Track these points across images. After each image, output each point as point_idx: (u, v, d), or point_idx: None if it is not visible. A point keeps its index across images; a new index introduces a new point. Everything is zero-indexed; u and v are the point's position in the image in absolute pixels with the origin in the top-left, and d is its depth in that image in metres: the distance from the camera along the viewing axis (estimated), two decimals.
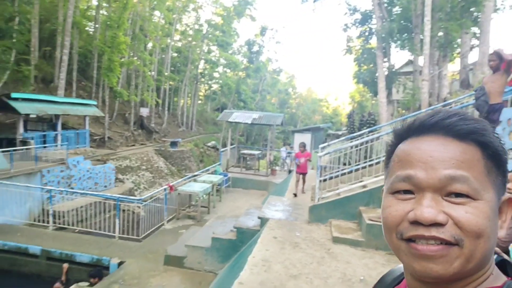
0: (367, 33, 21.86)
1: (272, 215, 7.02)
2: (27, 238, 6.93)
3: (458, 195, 0.56)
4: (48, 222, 8.09)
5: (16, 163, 12.13)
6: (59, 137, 16.91)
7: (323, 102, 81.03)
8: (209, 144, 34.94)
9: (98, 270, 5.73)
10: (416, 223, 0.56)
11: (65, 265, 5.84)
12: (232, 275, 4.92)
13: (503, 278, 0.61)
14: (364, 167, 7.41)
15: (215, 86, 50.06)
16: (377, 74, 18.08)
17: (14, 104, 14.40)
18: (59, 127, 17.50)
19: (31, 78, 20.99)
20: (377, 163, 7.23)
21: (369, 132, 9.06)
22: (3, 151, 12.21)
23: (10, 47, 18.74)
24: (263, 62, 50.67)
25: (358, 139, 8.03)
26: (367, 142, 7.47)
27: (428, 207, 0.56)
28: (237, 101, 43.25)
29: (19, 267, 6.57)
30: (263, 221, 6.76)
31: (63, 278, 5.72)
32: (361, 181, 6.95)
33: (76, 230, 8.46)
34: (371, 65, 21.23)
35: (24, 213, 9.63)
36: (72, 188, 13.57)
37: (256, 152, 15.89)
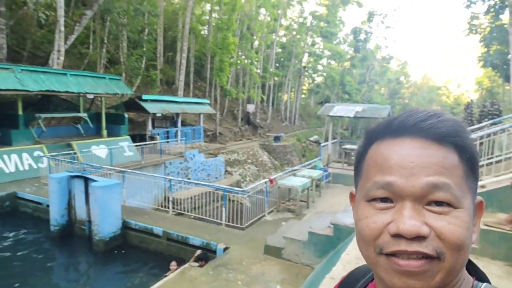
0: (497, 7, 18.70)
1: None
2: (152, 220, 8.21)
3: (439, 203, 0.53)
4: (168, 208, 9.39)
5: (146, 155, 14.32)
6: (179, 133, 19.19)
7: (442, 90, 72.56)
8: (311, 138, 34.92)
9: (204, 254, 6.45)
10: (397, 235, 0.52)
11: (198, 251, 6.64)
12: (325, 270, 4.97)
13: (470, 280, 0.60)
14: (482, 165, 6.51)
15: (318, 79, 49.54)
16: (509, 56, 15.37)
17: (144, 104, 16.92)
18: (179, 124, 19.85)
19: (158, 81, 24.22)
20: (498, 161, 6.26)
21: (491, 124, 7.86)
22: (136, 145, 14.54)
23: (141, 55, 21.98)
24: (371, 50, 47.88)
25: (477, 132, 7.07)
26: (488, 135, 6.53)
27: (411, 219, 0.52)
28: (341, 94, 41.98)
29: (146, 244, 7.85)
30: None
31: (192, 260, 6.40)
32: (480, 180, 6.14)
33: (192, 216, 9.59)
34: (502, 46, 18.11)
35: (151, 199, 11.34)
36: (189, 179, 15.33)
37: None
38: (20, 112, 12.31)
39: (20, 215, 9.49)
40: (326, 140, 19.72)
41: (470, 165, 0.57)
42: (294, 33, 41.35)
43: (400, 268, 0.52)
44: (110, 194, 7.82)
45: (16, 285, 6.43)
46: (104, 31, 20.19)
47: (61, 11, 15.63)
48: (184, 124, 21.67)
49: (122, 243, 7.98)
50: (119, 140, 14.81)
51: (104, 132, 15.33)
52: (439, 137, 0.55)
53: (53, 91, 12.64)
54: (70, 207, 8.33)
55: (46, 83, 12.44)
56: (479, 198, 0.60)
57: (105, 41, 20.34)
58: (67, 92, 13.17)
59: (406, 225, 0.51)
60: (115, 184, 8.07)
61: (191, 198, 11.21)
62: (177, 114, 19.67)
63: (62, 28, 15.96)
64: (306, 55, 43.27)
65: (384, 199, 0.55)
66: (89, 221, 8.00)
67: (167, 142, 16.86)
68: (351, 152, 15.28)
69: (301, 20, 41.43)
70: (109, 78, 15.70)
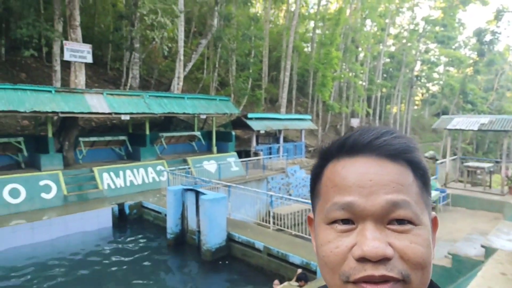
0: None
1: (503, 245, 5.66)
2: (254, 234, 8.46)
3: (400, 221, 0.52)
4: (269, 222, 9.56)
5: (250, 170, 14.98)
6: (281, 149, 19.59)
7: None
8: (426, 154, 31.58)
9: (304, 273, 6.30)
10: (362, 259, 0.50)
11: (299, 270, 6.61)
12: None
13: None
14: None
15: (434, 89, 44.96)
16: None
17: (249, 122, 17.86)
18: (281, 140, 20.30)
19: (262, 99, 25.35)
20: None
21: None
22: (241, 161, 15.36)
23: (248, 76, 23.40)
24: (500, 52, 41.34)
25: None
26: None
27: (375, 240, 0.50)
28: (463, 104, 37.10)
29: (247, 257, 8.11)
30: (489, 251, 5.57)
31: (294, 279, 6.34)
32: None
33: (292, 233, 9.56)
34: None
35: (254, 213, 11.74)
36: (290, 194, 15.42)
37: (487, 165, 13.11)
38: (147, 132, 14.29)
39: (144, 222, 10.88)
40: (444, 156, 17.56)
41: (424, 181, 0.57)
42: (404, 41, 38.67)
43: None
44: (217, 207, 8.37)
45: (136, 281, 7.34)
46: (216, 57, 22.20)
47: (181, 43, 17.83)
48: (286, 140, 22.04)
49: (226, 254, 8.41)
50: (227, 156, 15.87)
51: (214, 148, 16.63)
52: (394, 154, 0.55)
53: (173, 113, 14.35)
54: (183, 217, 9.20)
55: (168, 106, 14.22)
56: (433, 213, 0.60)
57: (217, 65, 22.33)
58: (184, 113, 14.79)
59: (371, 247, 0.49)
60: (221, 197, 8.62)
61: (292, 214, 11.20)
62: (280, 131, 20.16)
63: (182, 57, 18.14)
64: (418, 63, 39.89)
65: (345, 221, 0.54)
66: (199, 232, 8.69)
67: (270, 158, 17.35)
68: (476, 170, 13.23)
69: (412, 27, 38.55)
70: (219, 99, 17.07)
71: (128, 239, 9.80)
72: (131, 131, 15.66)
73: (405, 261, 0.51)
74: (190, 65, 20.66)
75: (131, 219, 10.85)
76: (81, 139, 12.95)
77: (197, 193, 8.81)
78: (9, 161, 11.62)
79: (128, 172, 12.52)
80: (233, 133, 17.26)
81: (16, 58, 16.88)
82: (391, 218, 0.52)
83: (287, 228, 9.76)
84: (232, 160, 15.53)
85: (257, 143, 19.61)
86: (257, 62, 24.98)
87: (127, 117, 12.95)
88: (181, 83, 18.14)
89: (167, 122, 17.86)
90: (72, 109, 11.38)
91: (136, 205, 11.06)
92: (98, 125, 16.40)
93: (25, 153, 11.49)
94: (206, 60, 23.25)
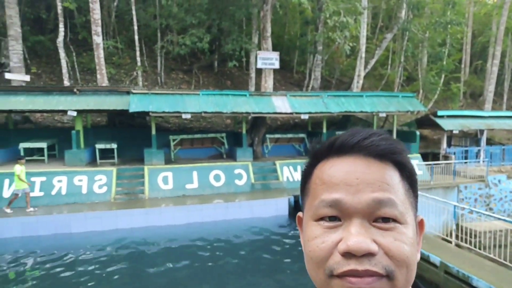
0: None
1: None
2: (430, 246, 7.52)
3: (385, 219, 0.54)
4: (451, 237, 8.26)
5: (436, 176, 13.24)
6: (482, 153, 16.34)
7: None
8: None
9: None
10: (347, 254, 0.52)
11: None
12: None
13: None
14: None
15: None
16: None
17: (439, 121, 15.76)
18: (483, 142, 16.93)
19: (460, 94, 21.80)
20: None
21: None
22: (426, 164, 13.76)
23: (441, 69, 20.62)
24: None
25: None
26: None
27: (359, 235, 0.52)
28: None
29: (420, 271, 7.30)
30: None
31: None
32: None
33: (490, 256, 7.96)
34: None
35: (439, 224, 10.35)
36: (491, 209, 12.73)
37: None
38: (324, 130, 14.82)
39: None
40: None
41: (410, 182, 0.59)
42: None
43: (353, 286, 0.51)
44: None
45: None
46: (402, 51, 20.62)
47: (363, 40, 17.53)
48: (490, 142, 18.21)
49: None
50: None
51: None
52: (381, 154, 0.57)
53: (350, 111, 14.33)
54: None
55: (345, 105, 14.31)
56: (420, 216, 0.62)
57: (403, 60, 20.69)
58: (361, 111, 14.53)
59: (355, 242, 0.51)
60: None
61: (491, 232, 9.28)
62: (481, 131, 16.83)
63: (363, 55, 17.80)
64: None
65: (332, 218, 0.56)
66: None
67: (465, 162, 14.78)
68: None
69: None
70: (402, 96, 15.82)
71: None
72: (310, 129, 16.58)
73: (390, 258, 0.52)
74: (373, 61, 20.00)
75: None
76: (267, 135, 14.74)
77: None
78: (215, 152, 14.51)
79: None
80: (417, 132, 15.65)
81: (224, 69, 20.77)
82: (376, 216, 0.54)
83: (477, 247, 8.16)
84: (414, 162, 14.14)
85: (449, 145, 17.07)
86: (452, 51, 21.63)
87: (306, 116, 13.84)
88: (361, 81, 17.83)
89: (344, 121, 17.95)
90: (261, 110, 13.12)
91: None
92: (282, 124, 18.21)
93: (226, 146, 14.05)
94: (392, 55, 21.90)
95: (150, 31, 19.90)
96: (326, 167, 0.59)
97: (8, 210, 9.31)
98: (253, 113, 13.00)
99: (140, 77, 17.85)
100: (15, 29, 15.15)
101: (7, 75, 14.23)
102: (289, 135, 15.32)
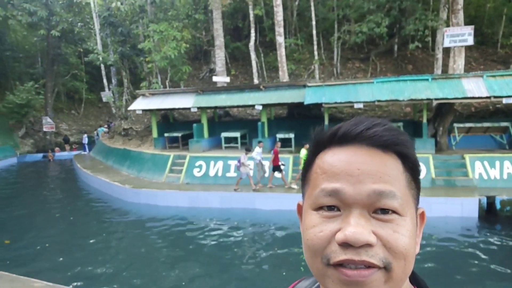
0: None
1: None
2: None
3: (385, 211, 0.53)
4: None
5: None
6: None
7: None
8: None
9: None
10: (345, 244, 0.52)
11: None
12: None
13: None
14: None
15: None
16: None
17: None
18: None
19: None
20: None
21: None
22: None
23: None
24: None
25: None
26: None
27: (358, 226, 0.51)
28: None
29: None
30: None
31: None
32: None
33: None
34: None
35: None
36: None
37: None
38: None
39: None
40: None
41: (413, 174, 0.58)
42: None
43: (348, 279, 0.51)
44: None
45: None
46: None
47: None
48: None
49: None
50: None
51: None
52: (384, 145, 0.56)
53: None
54: None
55: None
56: (421, 208, 0.61)
57: None
58: None
59: (353, 233, 0.51)
60: None
61: None
62: None
63: None
64: None
65: (331, 207, 0.55)
66: None
67: None
68: None
69: None
70: None
71: (496, 237, 8.81)
72: None
73: (387, 249, 0.52)
74: None
75: (503, 216, 9.58)
76: (455, 125, 12.80)
77: None
78: None
79: (507, 163, 10.97)
80: None
81: (405, 53, 19.08)
82: (376, 207, 0.54)
83: None
84: None
85: None
86: None
87: (511, 100, 11.23)
88: None
89: None
90: (446, 95, 11.53)
91: (511, 201, 9.59)
92: (478, 110, 15.30)
93: None
94: None
95: (328, 24, 20.41)
96: (328, 156, 0.58)
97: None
98: (436, 99, 11.57)
99: (317, 70, 18.69)
100: (220, 39, 18.60)
101: (214, 78, 17.72)
102: (486, 124, 12.80)
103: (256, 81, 18.61)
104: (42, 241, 9.12)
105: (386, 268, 0.52)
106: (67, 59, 31.00)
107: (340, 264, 0.52)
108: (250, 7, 18.83)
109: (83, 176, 17.21)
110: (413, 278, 0.62)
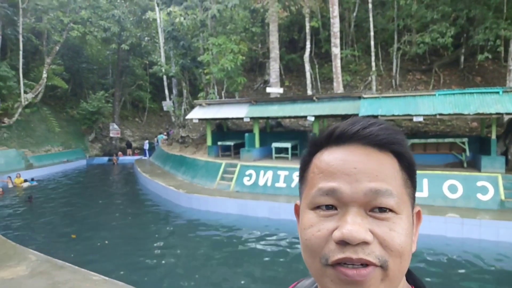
0: None
1: None
2: None
3: (382, 209, 0.54)
4: None
5: None
6: None
7: None
8: None
9: None
10: (342, 242, 0.52)
11: None
12: None
13: None
14: None
15: None
16: None
17: None
18: None
19: None
20: None
21: None
22: None
23: None
24: None
25: None
26: None
27: (355, 224, 0.52)
28: None
29: None
30: None
31: None
32: None
33: None
34: None
35: None
36: None
37: None
38: None
39: None
40: None
41: (409, 172, 0.59)
42: None
43: (348, 278, 0.52)
44: None
45: None
46: None
47: None
48: None
49: None
50: None
51: None
52: (380, 144, 0.57)
53: None
54: None
55: None
56: (417, 207, 0.62)
57: None
58: None
59: (350, 231, 0.51)
60: None
61: None
62: None
63: None
64: None
65: (328, 207, 0.56)
66: None
67: None
68: None
69: None
70: None
71: None
72: None
73: (384, 247, 0.53)
74: None
75: None
76: None
77: None
78: (453, 159, 12.72)
79: None
80: None
81: (472, 64, 17.71)
82: (373, 206, 0.54)
83: None
84: None
85: None
86: None
87: None
88: None
89: None
90: None
91: None
92: None
93: (468, 153, 12.07)
94: None
95: (387, 35, 19.75)
96: (325, 156, 0.59)
97: None
98: (507, 113, 10.57)
99: (374, 81, 18.09)
100: (275, 51, 18.89)
101: (268, 89, 17.98)
102: None
103: (309, 92, 18.53)
104: (102, 238, 9.84)
105: (383, 267, 0.52)
106: (134, 70, 33.61)
107: (338, 264, 0.52)
108: (307, 19, 18.92)
109: (142, 180, 18.32)
110: (410, 278, 0.63)
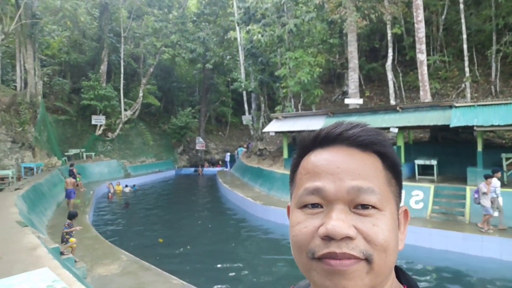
0: None
1: None
2: None
3: (365, 206, 0.57)
4: None
5: None
6: None
7: None
8: None
9: None
10: (327, 238, 0.54)
11: None
12: None
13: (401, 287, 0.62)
14: None
15: None
16: None
17: None
18: None
19: None
20: None
21: None
22: None
23: None
24: None
25: None
26: None
27: (339, 220, 0.55)
28: None
29: None
30: None
31: None
32: None
33: None
34: None
35: None
36: None
37: None
38: None
39: None
40: None
41: (393, 172, 0.62)
42: None
43: (332, 268, 0.54)
44: None
45: None
46: None
47: None
48: None
49: None
50: None
51: None
52: (362, 144, 0.60)
53: None
54: None
55: None
56: (404, 206, 0.65)
57: None
58: None
59: (334, 226, 0.54)
60: None
61: None
62: None
63: None
64: None
65: (314, 205, 0.59)
66: None
67: None
68: None
69: None
70: None
71: None
72: None
73: (368, 242, 0.55)
74: None
75: None
76: None
77: None
78: None
79: None
80: None
81: None
82: (356, 203, 0.57)
83: None
84: None
85: None
86: None
87: None
88: None
89: None
90: None
91: None
92: None
93: None
94: None
95: (483, 36, 17.69)
96: (311, 158, 0.63)
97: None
98: None
99: (468, 88, 16.27)
100: (354, 61, 18.30)
101: (346, 101, 17.44)
102: None
103: (392, 102, 17.43)
104: (185, 243, 10.50)
105: (368, 260, 0.54)
106: (218, 87, 35.77)
107: (324, 257, 0.55)
108: (388, 26, 17.99)
109: (222, 190, 19.18)
110: (404, 278, 0.64)
